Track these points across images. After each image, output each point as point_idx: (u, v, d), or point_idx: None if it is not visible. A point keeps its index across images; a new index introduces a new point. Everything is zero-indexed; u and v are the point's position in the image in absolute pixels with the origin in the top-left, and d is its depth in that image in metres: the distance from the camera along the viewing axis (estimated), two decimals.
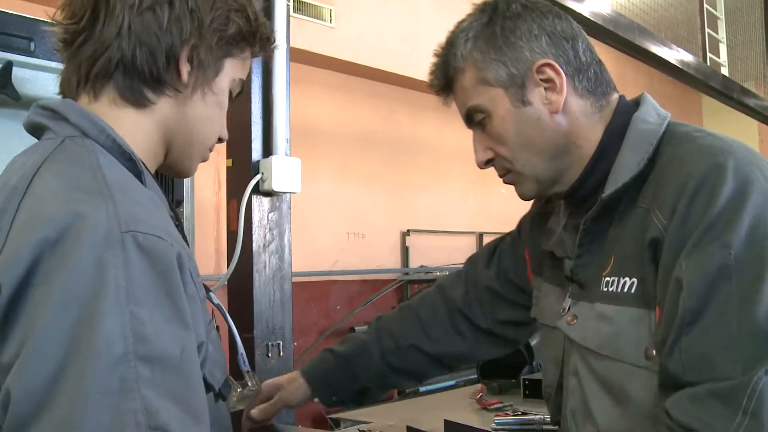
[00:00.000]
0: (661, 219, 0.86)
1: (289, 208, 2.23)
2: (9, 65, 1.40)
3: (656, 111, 0.98)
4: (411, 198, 5.16)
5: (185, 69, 0.81)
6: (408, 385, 1.37)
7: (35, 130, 0.81)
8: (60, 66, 0.86)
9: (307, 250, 4.06)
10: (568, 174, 1.00)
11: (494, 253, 1.32)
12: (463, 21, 1.03)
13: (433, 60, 1.05)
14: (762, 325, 0.76)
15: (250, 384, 1.11)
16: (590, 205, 0.97)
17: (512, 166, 1.01)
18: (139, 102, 0.81)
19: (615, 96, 1.01)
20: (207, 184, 3.84)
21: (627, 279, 0.90)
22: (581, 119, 0.98)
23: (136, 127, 0.81)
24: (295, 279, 2.28)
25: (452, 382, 3.87)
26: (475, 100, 1.00)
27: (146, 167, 0.81)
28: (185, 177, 0.95)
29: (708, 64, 4.51)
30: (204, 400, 0.68)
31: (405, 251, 5.08)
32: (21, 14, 1.48)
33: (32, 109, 0.80)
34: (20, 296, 0.62)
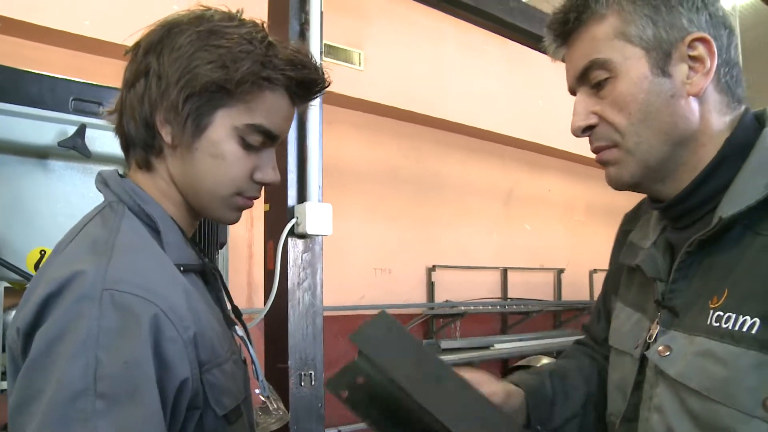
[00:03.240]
0: None
1: (321, 249, 2.40)
2: (83, 127, 1.61)
3: None
4: (436, 234, 5.26)
5: (164, 131, 0.87)
6: None
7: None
8: None
9: (336, 285, 4.19)
10: (677, 174, 0.89)
11: (598, 305, 1.21)
12: None
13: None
14: None
15: (271, 408, 1.24)
16: (689, 222, 0.89)
17: (621, 140, 0.88)
18: (147, 167, 0.91)
19: (743, 107, 0.91)
20: (240, 222, 4.01)
21: (747, 317, 0.77)
22: (713, 115, 0.87)
23: (154, 188, 0.91)
24: (325, 313, 2.43)
25: None
26: (606, 53, 0.87)
27: (176, 222, 0.91)
28: (223, 224, 1.04)
29: None
30: None
31: (430, 286, 5.19)
32: (91, 83, 1.71)
33: (96, 177, 0.96)
34: (29, 340, 0.74)
